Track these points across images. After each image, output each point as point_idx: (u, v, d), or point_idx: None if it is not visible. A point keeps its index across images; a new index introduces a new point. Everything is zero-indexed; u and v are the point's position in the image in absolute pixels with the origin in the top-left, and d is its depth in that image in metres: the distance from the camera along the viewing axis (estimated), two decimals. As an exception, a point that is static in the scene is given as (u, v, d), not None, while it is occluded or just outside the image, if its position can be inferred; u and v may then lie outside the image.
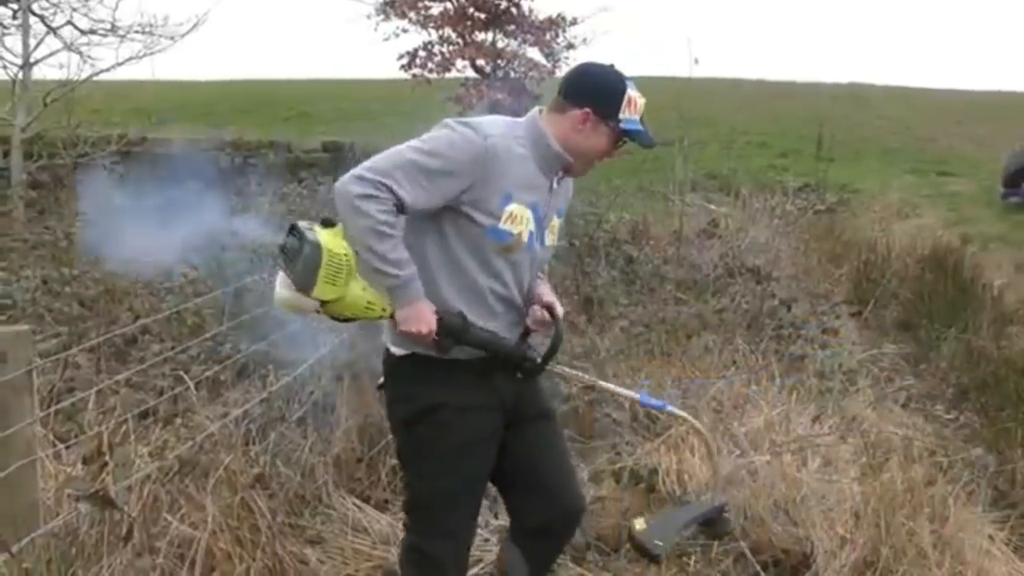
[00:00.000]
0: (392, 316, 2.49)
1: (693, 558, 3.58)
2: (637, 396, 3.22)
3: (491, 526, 3.74)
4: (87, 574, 2.69)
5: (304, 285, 2.41)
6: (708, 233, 9.04)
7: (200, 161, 11.90)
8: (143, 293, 5.93)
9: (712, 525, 3.51)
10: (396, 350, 2.60)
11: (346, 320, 2.60)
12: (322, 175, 12.11)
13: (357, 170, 2.39)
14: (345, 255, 2.43)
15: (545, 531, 2.82)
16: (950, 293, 7.52)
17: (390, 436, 4.10)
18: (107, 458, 2.84)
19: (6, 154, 11.72)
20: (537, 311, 2.73)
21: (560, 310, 2.74)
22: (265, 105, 18.44)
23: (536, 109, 2.66)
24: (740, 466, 3.87)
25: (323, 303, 2.45)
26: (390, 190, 2.36)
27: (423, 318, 2.46)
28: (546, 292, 2.77)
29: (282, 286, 2.48)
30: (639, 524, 3.32)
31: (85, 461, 2.92)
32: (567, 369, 3.21)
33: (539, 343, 2.81)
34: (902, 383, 5.68)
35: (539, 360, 2.69)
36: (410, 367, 2.59)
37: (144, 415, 3.89)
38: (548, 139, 2.58)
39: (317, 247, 2.40)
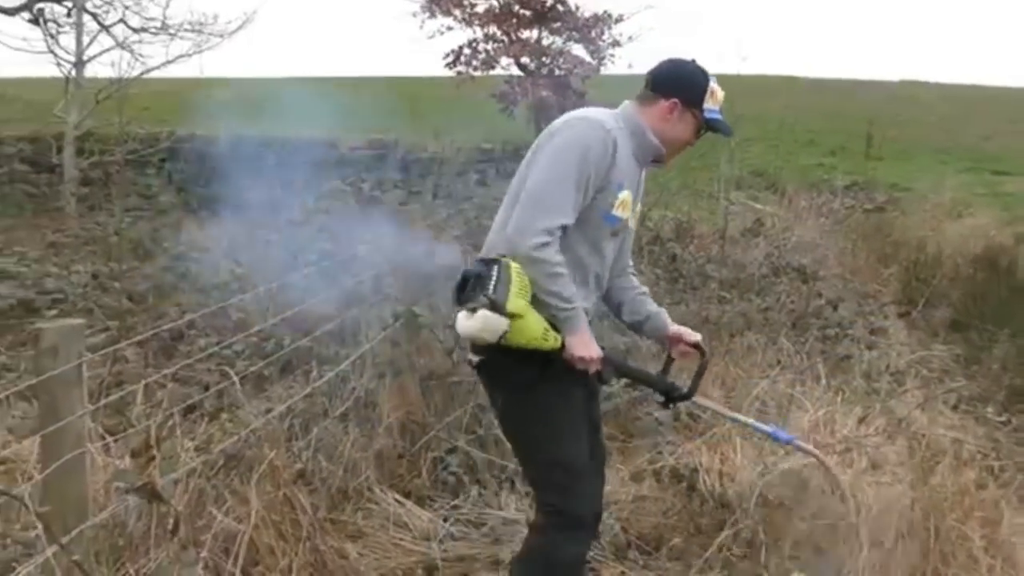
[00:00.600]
0: (563, 346, 2.66)
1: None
2: (770, 431, 3.22)
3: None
4: (134, 566, 2.73)
5: (499, 300, 2.54)
6: (753, 232, 8.95)
7: (247, 158, 12.01)
8: (190, 289, 6.01)
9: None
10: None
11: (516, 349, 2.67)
12: (366, 172, 12.20)
13: (527, 219, 2.58)
14: (520, 270, 2.60)
15: None
16: (1003, 294, 7.37)
17: (432, 432, 4.15)
18: (154, 452, 2.87)
19: (59, 151, 11.94)
20: (677, 347, 3.01)
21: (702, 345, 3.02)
22: (312, 102, 18.56)
23: (627, 102, 2.85)
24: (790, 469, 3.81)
25: (512, 321, 2.56)
26: (561, 228, 2.59)
27: (591, 346, 2.68)
28: (685, 329, 3.02)
29: (466, 319, 2.61)
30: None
31: (133, 455, 2.96)
32: (706, 400, 3.28)
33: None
34: (952, 385, 5.57)
35: (685, 391, 2.95)
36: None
37: (190, 409, 3.94)
38: (647, 131, 2.78)
39: (507, 265, 2.58)
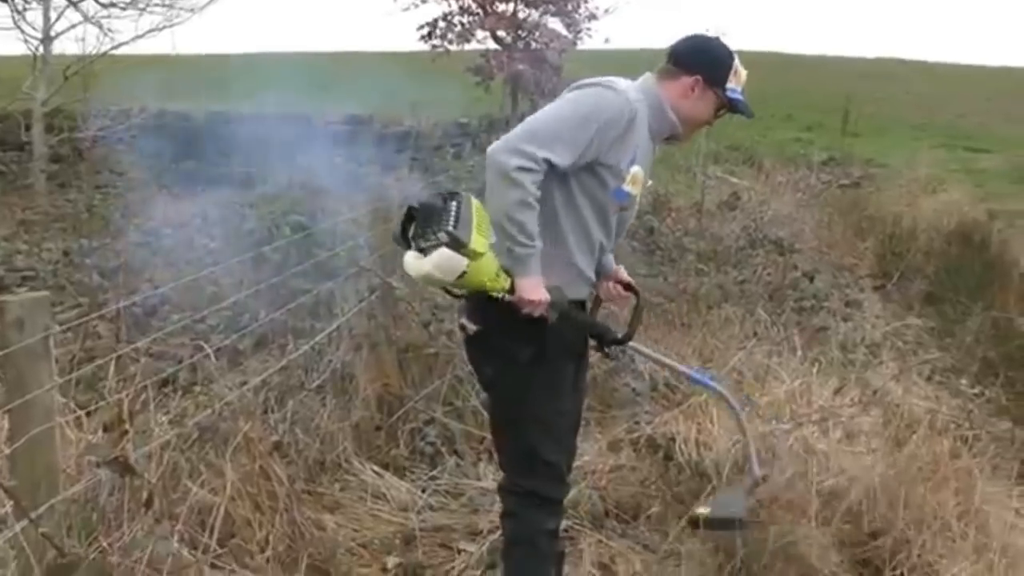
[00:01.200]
0: (511, 289, 2.55)
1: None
2: (689, 372, 3.29)
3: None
4: (108, 540, 2.69)
5: (461, 236, 2.42)
6: (730, 205, 8.96)
7: (220, 134, 11.89)
8: (163, 264, 5.94)
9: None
10: (511, 298, 2.63)
11: (464, 294, 2.63)
12: (341, 147, 12.10)
13: (514, 140, 2.49)
14: (481, 207, 2.50)
15: None
16: (976, 268, 7.43)
17: (409, 404, 4.13)
18: (127, 426, 2.84)
19: (27, 128, 11.75)
20: (612, 287, 2.94)
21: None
22: (287, 77, 18.39)
23: (648, 75, 2.77)
24: (762, 436, 3.82)
25: (470, 262, 2.45)
26: (547, 161, 2.48)
27: (540, 289, 2.58)
28: (621, 270, 2.96)
29: (418, 259, 2.49)
30: (703, 509, 3.30)
31: (105, 428, 2.92)
32: (640, 346, 3.24)
33: None
34: (926, 356, 5.62)
35: (621, 336, 2.83)
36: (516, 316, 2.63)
37: (163, 384, 3.90)
38: (666, 107, 2.71)
39: (468, 200, 2.48)
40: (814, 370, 4.69)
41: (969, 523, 3.33)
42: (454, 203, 2.46)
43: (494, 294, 2.55)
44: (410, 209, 2.53)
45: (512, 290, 2.56)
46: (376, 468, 3.86)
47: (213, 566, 2.92)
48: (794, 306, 5.95)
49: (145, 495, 2.79)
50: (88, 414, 3.28)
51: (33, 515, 2.30)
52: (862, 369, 4.98)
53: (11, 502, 2.29)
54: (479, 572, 3.22)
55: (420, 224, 2.50)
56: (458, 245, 2.42)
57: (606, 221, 2.71)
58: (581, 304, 2.78)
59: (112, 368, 3.45)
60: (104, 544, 2.65)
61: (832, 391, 4.51)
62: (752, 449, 3.37)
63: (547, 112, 2.59)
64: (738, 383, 4.44)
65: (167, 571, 2.69)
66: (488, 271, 2.49)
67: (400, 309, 4.41)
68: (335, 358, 4.30)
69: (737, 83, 2.75)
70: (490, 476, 3.89)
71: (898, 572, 3.21)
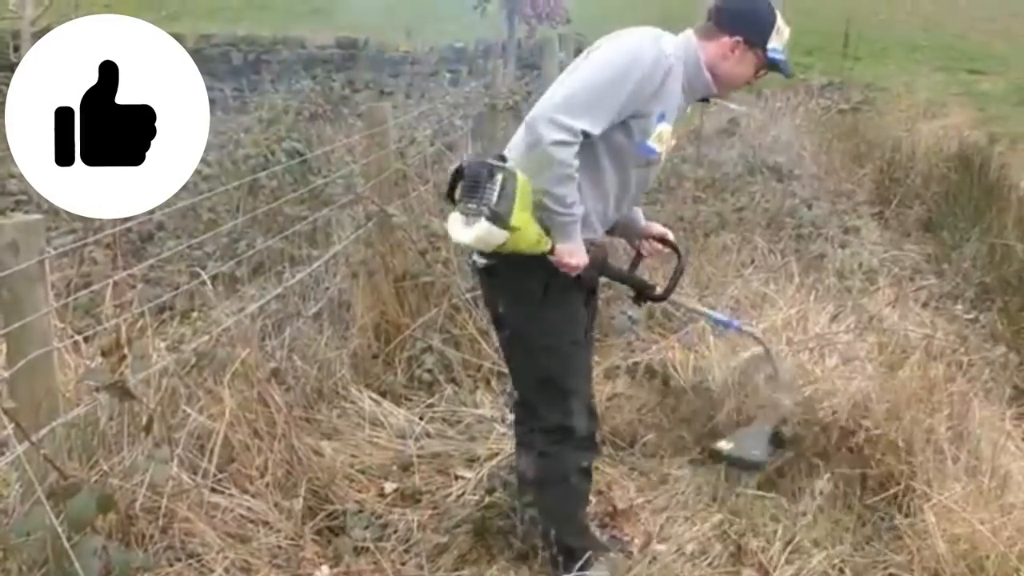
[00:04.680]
0: (551, 250, 2.59)
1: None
2: (722, 318, 3.38)
3: (508, 420, 3.76)
4: (108, 463, 2.72)
5: (503, 214, 2.45)
6: (729, 132, 8.86)
7: (212, 57, 11.70)
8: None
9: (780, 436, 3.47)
10: None
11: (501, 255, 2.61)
12: (335, 72, 11.92)
13: (551, 110, 2.49)
14: (527, 183, 2.50)
15: None
16: (975, 193, 7.38)
17: (406, 332, 4.14)
18: (125, 351, 2.84)
19: (16, 49, 11.53)
20: (647, 244, 3.02)
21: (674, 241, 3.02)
22: (279, 0, 18.07)
23: (689, 32, 2.73)
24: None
25: (510, 234, 2.48)
26: (584, 132, 2.48)
27: (580, 254, 2.63)
28: (656, 225, 3.02)
29: (462, 223, 2.51)
30: (725, 444, 3.34)
31: (103, 354, 2.92)
32: (677, 298, 3.27)
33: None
34: (923, 283, 5.62)
35: (659, 293, 2.98)
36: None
37: (160, 310, 3.90)
38: (702, 68, 2.68)
39: (513, 176, 2.47)
40: (811, 297, 4.69)
41: (961, 446, 3.36)
42: (500, 176, 2.45)
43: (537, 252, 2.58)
44: (458, 169, 2.54)
45: (553, 251, 2.59)
46: (373, 396, 3.89)
47: (213, 490, 2.96)
48: (791, 233, 5.92)
49: (144, 420, 2.81)
50: (86, 339, 3.29)
51: (34, 438, 2.32)
52: (859, 296, 4.98)
53: (12, 424, 2.30)
54: (476, 497, 3.27)
55: (465, 190, 2.50)
56: (498, 220, 2.44)
57: (624, 173, 2.69)
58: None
59: (108, 294, 3.44)
60: (105, 467, 2.68)
61: (828, 318, 4.52)
62: (784, 387, 3.39)
63: (587, 76, 2.55)
64: (735, 310, 4.45)
65: (167, 495, 2.72)
66: (529, 239, 2.53)
67: (397, 237, 4.39)
68: (332, 286, 4.30)
69: (779, 42, 2.72)
70: (487, 404, 3.92)
71: (891, 493, 3.26)
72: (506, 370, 4.01)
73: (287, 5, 17.36)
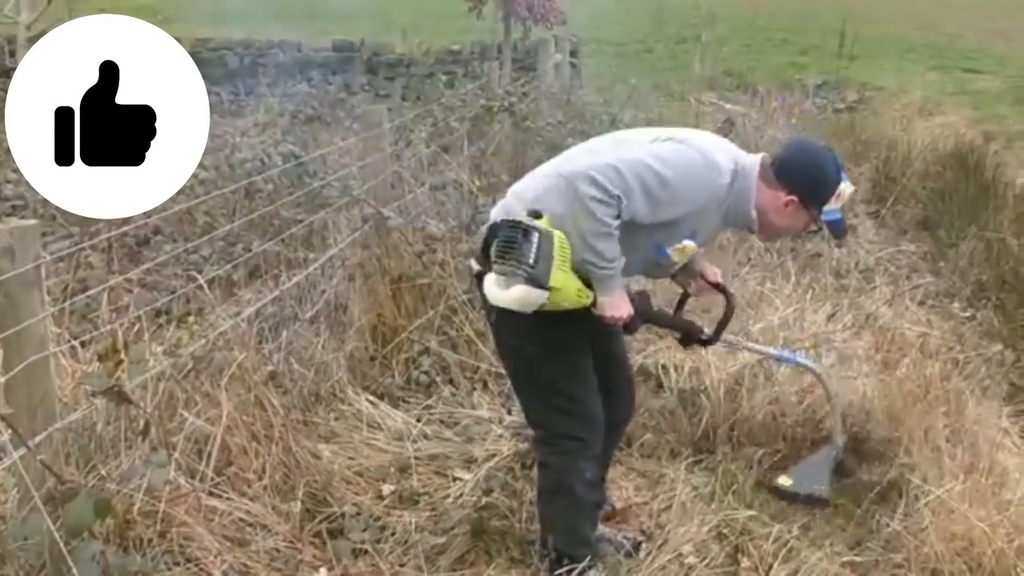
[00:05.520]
0: (594, 303, 2.58)
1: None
2: (779, 353, 3.34)
3: (505, 422, 3.77)
4: (106, 468, 2.72)
5: (540, 276, 2.43)
6: (724, 131, 8.85)
7: (208, 61, 11.69)
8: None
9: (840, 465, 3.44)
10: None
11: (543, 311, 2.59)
12: (331, 75, 11.92)
13: (593, 170, 2.47)
14: (564, 240, 2.50)
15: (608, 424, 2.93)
16: (971, 191, 7.39)
17: (403, 334, 4.14)
18: (122, 355, 2.84)
19: (12, 54, 11.53)
20: (694, 284, 2.94)
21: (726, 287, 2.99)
22: (274, 3, 18.08)
23: (755, 161, 2.67)
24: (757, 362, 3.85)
25: (546, 299, 2.48)
26: (620, 201, 2.46)
27: (623, 305, 2.61)
28: (711, 267, 2.94)
29: (500, 285, 2.51)
30: (785, 480, 3.31)
31: (100, 358, 2.92)
32: (731, 337, 3.23)
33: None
34: (919, 281, 5.63)
35: (707, 336, 2.93)
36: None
37: (157, 314, 3.90)
38: (751, 208, 2.65)
39: (549, 236, 2.45)
40: (808, 296, 4.71)
41: (958, 443, 3.37)
42: (535, 236, 2.43)
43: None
44: (492, 226, 2.53)
45: (595, 304, 2.59)
46: (371, 398, 3.89)
47: (211, 494, 2.96)
48: (788, 232, 5.93)
49: (141, 424, 2.81)
50: (83, 344, 3.29)
51: (31, 443, 2.32)
52: (855, 295, 4.99)
53: (9, 430, 2.30)
54: (474, 499, 3.27)
55: (500, 250, 2.47)
56: (537, 283, 2.43)
57: (633, 252, 2.62)
58: None
59: (105, 298, 3.45)
60: (102, 472, 2.68)
61: (825, 317, 4.53)
62: (838, 418, 3.35)
63: (639, 157, 2.51)
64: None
65: (165, 499, 2.73)
66: (569, 296, 2.52)
67: (393, 239, 4.39)
68: (329, 289, 4.30)
69: (837, 203, 2.67)
70: (485, 405, 3.92)
71: (888, 491, 3.27)
72: (503, 371, 4.04)
73: (282, 8, 17.39)
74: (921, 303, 5.23)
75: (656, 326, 2.89)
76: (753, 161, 2.68)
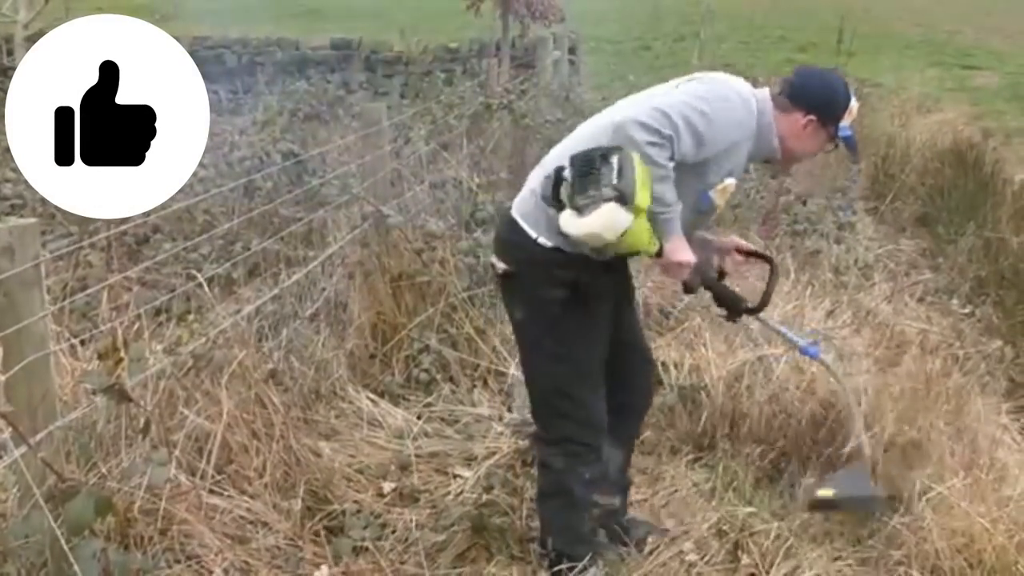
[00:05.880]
0: (659, 252, 2.58)
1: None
2: (800, 342, 3.23)
3: (505, 419, 3.77)
4: (106, 466, 2.72)
5: (628, 190, 2.41)
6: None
7: (206, 59, 11.69)
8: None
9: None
10: (546, 242, 2.64)
11: (610, 256, 2.60)
12: (330, 73, 11.92)
13: (642, 116, 2.51)
14: (641, 161, 2.49)
15: (630, 408, 2.98)
16: (969, 187, 7.41)
17: (403, 332, 4.14)
18: (122, 353, 2.84)
19: (10, 52, 11.53)
20: (729, 260, 2.97)
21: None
22: (273, 1, 18.07)
23: (766, 93, 2.75)
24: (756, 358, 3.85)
25: (633, 219, 2.45)
26: (672, 141, 2.49)
27: (687, 250, 2.62)
28: (733, 237, 3.04)
29: (580, 215, 2.45)
30: (827, 491, 3.07)
31: (100, 357, 2.92)
32: (767, 319, 3.21)
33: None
34: (918, 278, 5.64)
35: (754, 305, 2.92)
36: (560, 257, 2.63)
37: (157, 312, 3.90)
38: (773, 137, 2.72)
39: (629, 156, 2.44)
40: (807, 293, 4.71)
41: (958, 440, 3.38)
42: (615, 158, 2.43)
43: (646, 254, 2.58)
44: (558, 171, 2.52)
45: (661, 252, 2.58)
46: (371, 396, 3.89)
47: (211, 492, 2.96)
48: (787, 229, 5.94)
49: (142, 422, 2.80)
50: (82, 342, 3.29)
51: (32, 441, 2.32)
52: (855, 291, 5.00)
53: (9, 428, 2.30)
54: (475, 496, 3.27)
55: (577, 181, 2.46)
56: (625, 201, 2.41)
57: (683, 202, 2.63)
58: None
59: (104, 297, 3.45)
60: (103, 470, 2.68)
61: (825, 313, 4.54)
62: (860, 423, 3.25)
63: (680, 98, 2.56)
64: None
65: (166, 497, 2.73)
66: (642, 237, 2.51)
67: (393, 237, 4.39)
68: (328, 286, 4.30)
69: (849, 120, 2.75)
70: (485, 403, 3.93)
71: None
72: (503, 369, 4.04)
73: (281, 6, 17.38)
74: (920, 300, 5.24)
75: (705, 288, 2.85)
76: (765, 94, 2.77)
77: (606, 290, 2.76)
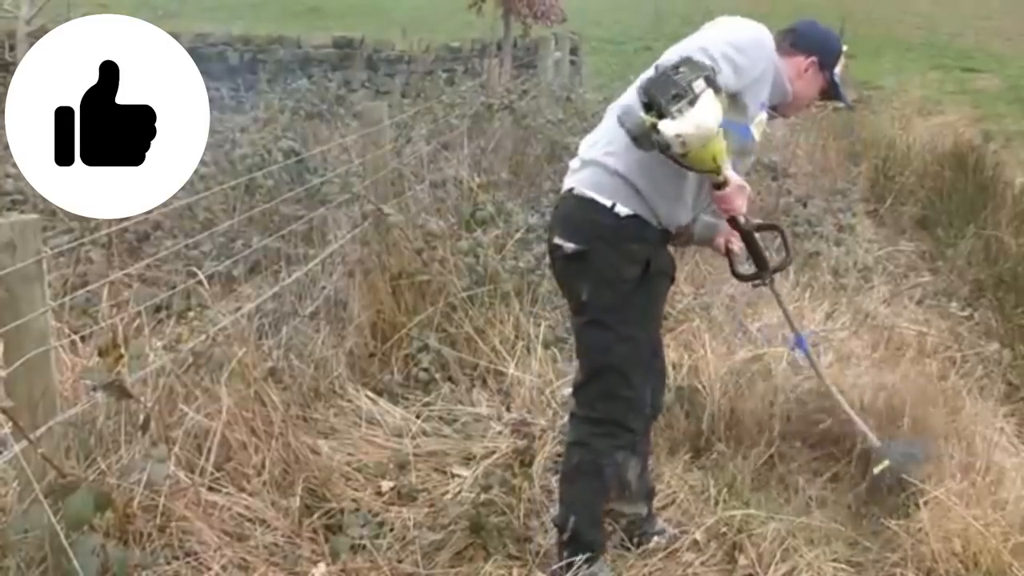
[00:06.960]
0: (723, 184, 2.62)
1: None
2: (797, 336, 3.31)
3: (504, 418, 3.78)
4: (106, 462, 2.73)
5: (715, 79, 2.45)
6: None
7: (208, 57, 11.70)
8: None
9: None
10: (623, 209, 2.68)
11: (688, 168, 2.58)
12: (332, 71, 11.92)
13: (685, 54, 2.55)
14: None
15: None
16: (969, 190, 7.41)
17: (403, 331, 4.15)
18: (122, 350, 2.85)
19: (12, 48, 11.53)
20: (735, 240, 3.03)
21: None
22: None
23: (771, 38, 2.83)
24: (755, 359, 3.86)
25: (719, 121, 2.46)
26: (715, 72, 2.50)
27: (746, 191, 2.71)
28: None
29: (680, 115, 2.40)
30: (881, 466, 3.16)
31: (100, 353, 2.93)
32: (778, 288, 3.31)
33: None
34: (918, 280, 5.64)
35: (781, 262, 3.17)
36: (635, 226, 2.69)
37: (157, 309, 3.91)
38: (785, 77, 2.83)
39: (693, 61, 2.48)
40: (806, 295, 4.72)
41: (955, 443, 3.38)
42: (684, 67, 2.45)
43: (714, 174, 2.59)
44: (625, 111, 2.58)
45: (725, 182, 2.62)
46: (370, 394, 3.90)
47: (210, 489, 2.97)
48: (787, 231, 5.94)
49: (141, 419, 2.82)
50: (83, 339, 3.30)
51: (32, 436, 2.33)
52: (854, 293, 5.01)
53: (10, 423, 2.31)
54: (473, 495, 3.28)
55: (663, 97, 2.43)
56: (715, 87, 2.44)
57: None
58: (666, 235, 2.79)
59: (105, 293, 3.45)
60: (102, 466, 2.69)
61: (824, 315, 4.55)
62: (866, 427, 3.27)
63: (719, 37, 2.65)
64: (730, 310, 4.47)
65: (165, 493, 2.73)
66: (719, 146, 2.49)
67: (393, 236, 4.40)
68: (328, 285, 4.31)
69: (839, 67, 2.93)
70: (484, 402, 3.93)
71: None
72: (502, 368, 4.05)
73: (283, 4, 17.38)
74: (919, 302, 5.25)
75: (747, 235, 2.91)
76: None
77: (667, 266, 2.83)
